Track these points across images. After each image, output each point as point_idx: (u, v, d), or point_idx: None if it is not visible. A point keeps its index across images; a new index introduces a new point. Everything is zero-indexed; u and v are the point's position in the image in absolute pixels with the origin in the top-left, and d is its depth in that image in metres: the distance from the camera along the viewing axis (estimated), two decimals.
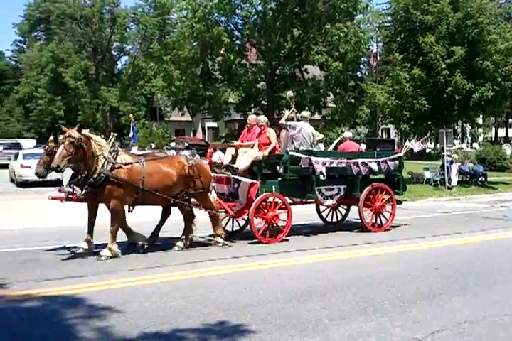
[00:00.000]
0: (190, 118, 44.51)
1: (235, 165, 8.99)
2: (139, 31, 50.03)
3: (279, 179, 8.91)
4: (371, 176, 10.36)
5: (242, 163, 8.95)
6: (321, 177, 9.02)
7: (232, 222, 9.44)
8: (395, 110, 25.65)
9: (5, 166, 23.33)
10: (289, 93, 10.73)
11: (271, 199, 8.68)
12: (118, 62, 55.69)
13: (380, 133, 43.08)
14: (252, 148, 9.12)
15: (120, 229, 7.41)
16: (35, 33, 54.20)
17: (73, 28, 50.16)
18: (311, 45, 26.44)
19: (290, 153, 8.88)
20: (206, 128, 44.89)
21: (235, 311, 4.85)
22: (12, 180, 20.90)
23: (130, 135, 17.66)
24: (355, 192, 9.68)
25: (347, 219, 11.06)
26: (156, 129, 43.91)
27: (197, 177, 7.91)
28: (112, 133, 7.77)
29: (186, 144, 21.70)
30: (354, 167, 9.51)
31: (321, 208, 10.59)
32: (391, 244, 8.61)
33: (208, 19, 24.05)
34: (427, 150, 34.21)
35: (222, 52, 25.49)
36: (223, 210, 8.51)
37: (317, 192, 9.17)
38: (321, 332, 4.32)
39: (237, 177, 8.71)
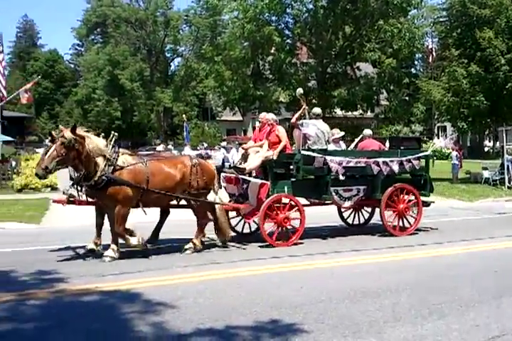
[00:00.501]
0: (241, 118, 44.86)
1: (242, 166, 8.76)
2: (191, 33, 50.95)
3: (292, 179, 8.55)
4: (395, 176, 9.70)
5: (252, 162, 8.67)
6: (341, 177, 8.72)
7: (244, 223, 9.10)
8: (452, 107, 24.76)
9: None
10: (299, 90, 10.14)
11: (284, 200, 8.32)
12: (171, 63, 56.93)
13: (436, 131, 41.87)
14: (261, 147, 8.86)
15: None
16: (93, 37, 56.27)
17: (128, 31, 51.69)
18: (363, 42, 26.02)
19: (302, 152, 8.49)
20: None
21: (287, 310, 4.84)
22: (71, 178, 21.71)
23: (184, 134, 18.03)
24: (376, 193, 9.13)
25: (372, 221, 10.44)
26: (207, 129, 44.58)
27: (200, 177, 7.72)
28: (112, 133, 7.38)
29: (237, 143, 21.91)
30: (374, 166, 8.98)
31: (343, 209, 10.09)
32: (447, 246, 8.35)
33: (258, 19, 24.13)
34: (486, 149, 32.83)
35: (272, 51, 25.52)
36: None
37: (333, 193, 8.72)
38: (376, 333, 4.25)
39: (245, 177, 8.47)
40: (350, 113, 28.07)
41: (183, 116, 21.49)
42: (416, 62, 33.23)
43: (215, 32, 44.06)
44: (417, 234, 9.51)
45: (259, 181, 8.25)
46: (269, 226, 8.20)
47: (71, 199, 7.59)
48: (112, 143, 7.21)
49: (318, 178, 8.75)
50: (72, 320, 4.58)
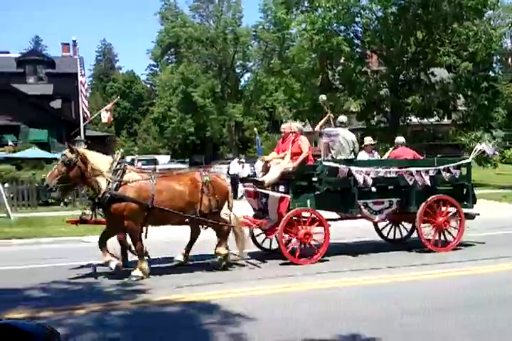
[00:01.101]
0: (311, 129, 44.71)
1: (261, 178, 8.33)
2: (259, 48, 51.73)
3: (316, 192, 7.90)
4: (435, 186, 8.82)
5: (271, 175, 8.16)
6: (373, 188, 8.19)
7: (271, 239, 8.56)
8: None
9: None
10: (321, 97, 9.55)
11: (305, 214, 7.84)
12: (241, 79, 57.92)
13: None
14: (283, 158, 8.34)
15: (120, 243, 7.32)
16: (167, 57, 58.52)
17: (200, 50, 53.33)
18: (436, 47, 25.17)
19: (324, 163, 7.96)
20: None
21: (367, 324, 4.71)
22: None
23: (255, 148, 18.21)
24: (410, 206, 8.38)
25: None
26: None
27: (212, 195, 7.31)
28: (118, 150, 7.40)
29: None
30: (407, 176, 8.24)
31: (380, 224, 9.32)
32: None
33: (326, 30, 24.09)
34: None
35: (342, 61, 25.33)
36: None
37: (362, 207, 8.09)
38: None
39: (264, 190, 8.00)
40: (426, 120, 27.15)
41: (255, 129, 21.81)
42: (494, 65, 31.61)
43: (283, 45, 44.47)
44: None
45: (278, 195, 7.83)
46: (292, 242, 7.88)
47: (83, 217, 7.58)
48: (118, 159, 7.13)
49: (344, 191, 8.08)
50: (156, 330, 4.72)
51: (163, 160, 34.30)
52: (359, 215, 8.33)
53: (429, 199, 8.36)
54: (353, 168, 7.92)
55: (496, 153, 11.65)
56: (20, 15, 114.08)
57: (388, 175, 8.22)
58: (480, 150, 9.72)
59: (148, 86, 74.28)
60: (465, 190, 8.89)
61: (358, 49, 26.04)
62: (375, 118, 26.84)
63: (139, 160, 32.62)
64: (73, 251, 9.16)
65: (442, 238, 8.57)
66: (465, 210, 8.79)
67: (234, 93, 54.48)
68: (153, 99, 67.75)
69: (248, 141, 52.69)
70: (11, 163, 22.09)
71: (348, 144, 8.38)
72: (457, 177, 8.72)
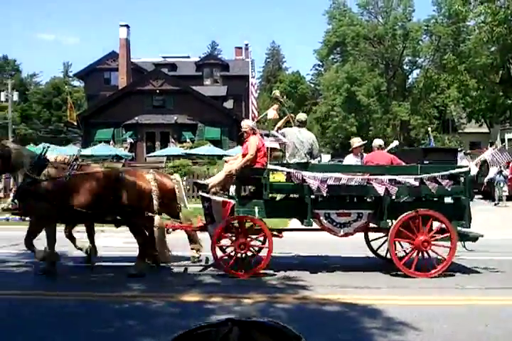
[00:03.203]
0: (487, 130, 41.07)
1: (203, 181, 7.72)
2: (431, 43, 49.05)
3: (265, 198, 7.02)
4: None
5: (215, 178, 7.63)
6: (324, 196, 6.98)
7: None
8: None
9: None
10: (275, 92, 8.40)
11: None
12: (409, 76, 55.56)
13: None
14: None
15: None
16: (332, 56, 58.74)
17: (366, 48, 52.48)
18: None
19: (269, 166, 6.96)
20: (506, 140, 40.62)
21: None
22: None
23: None
24: (382, 221, 7.06)
25: None
26: (448, 142, 42.09)
27: (122, 193, 6.82)
28: (45, 145, 7.16)
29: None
30: (377, 185, 6.83)
31: (371, 237, 8.15)
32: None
33: (510, 21, 21.92)
34: None
35: None
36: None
37: (323, 218, 7.00)
38: None
39: (206, 194, 7.39)
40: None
41: (429, 129, 20.80)
42: None
43: (458, 39, 41.56)
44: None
45: (220, 199, 7.22)
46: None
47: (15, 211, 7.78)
48: (40, 155, 7.02)
49: (299, 198, 7.22)
50: (315, 328, 4.81)
51: (325, 159, 34.56)
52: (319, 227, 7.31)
53: (405, 213, 6.95)
54: (306, 173, 6.84)
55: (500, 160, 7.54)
56: (199, 21, 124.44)
57: (352, 183, 6.90)
58: (483, 157, 7.65)
59: (313, 86, 75.40)
60: (460, 205, 7.24)
61: None
62: None
63: None
64: None
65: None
66: (464, 230, 7.29)
67: (401, 91, 52.53)
68: (316, 98, 68.65)
69: (414, 141, 50.36)
70: (188, 158, 24.31)
71: (304, 146, 7.44)
72: (448, 188, 7.03)
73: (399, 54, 51.17)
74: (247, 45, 42.71)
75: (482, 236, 7.41)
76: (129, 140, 31.50)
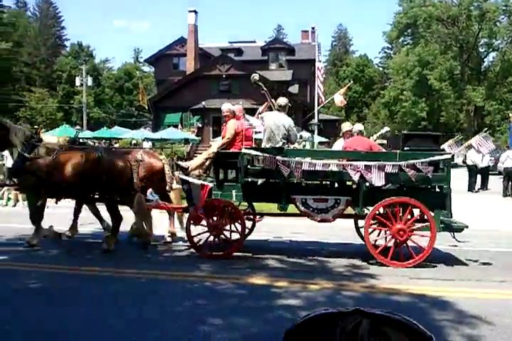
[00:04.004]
0: None
1: (183, 164, 7.77)
2: (510, 24, 46.20)
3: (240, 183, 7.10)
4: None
5: (195, 161, 7.79)
6: (298, 181, 7.04)
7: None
8: None
9: None
10: (254, 76, 8.09)
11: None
12: (485, 59, 52.71)
13: None
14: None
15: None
16: (402, 39, 56.72)
17: (439, 30, 50.24)
18: None
19: (244, 150, 7.00)
20: None
21: None
22: None
23: (506, 136, 16.55)
24: (358, 208, 7.00)
25: None
26: None
27: (100, 172, 7.18)
28: (36, 127, 8.10)
29: None
30: (352, 172, 6.68)
31: (361, 223, 7.72)
32: None
33: None
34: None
35: None
36: None
37: (299, 203, 6.91)
38: None
39: (185, 177, 7.52)
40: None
41: (511, 115, 19.75)
42: None
43: None
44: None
45: (199, 182, 7.40)
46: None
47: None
48: (32, 135, 7.65)
49: (276, 183, 7.14)
50: None
51: None
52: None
53: (381, 201, 6.78)
54: (279, 158, 6.79)
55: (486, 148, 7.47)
56: (265, 5, 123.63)
57: (328, 169, 6.81)
58: (470, 143, 7.46)
59: (381, 69, 73.25)
60: (441, 194, 6.94)
61: None
62: None
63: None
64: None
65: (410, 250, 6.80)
66: (447, 220, 6.98)
67: (475, 75, 50.05)
68: (384, 82, 66.68)
69: (489, 127, 47.97)
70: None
71: (280, 130, 7.24)
72: (430, 176, 6.75)
73: (474, 36, 48.61)
74: (313, 28, 41.89)
75: (467, 227, 7.03)
76: (197, 124, 32.13)
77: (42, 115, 49.62)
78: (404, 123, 55.53)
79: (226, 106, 8.05)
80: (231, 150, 7.50)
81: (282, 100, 7.70)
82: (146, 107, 29.77)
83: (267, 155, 6.88)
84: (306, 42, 42.76)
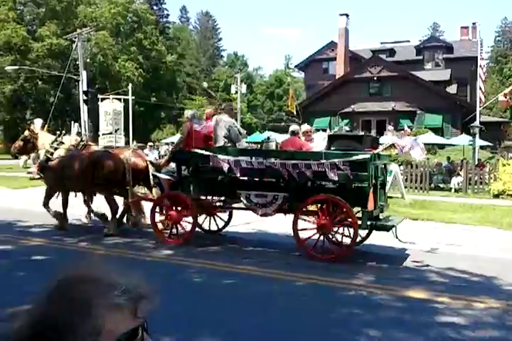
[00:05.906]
0: None
1: (156, 161, 9.11)
2: None
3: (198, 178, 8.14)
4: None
5: (165, 158, 9.01)
6: (238, 177, 7.68)
7: (210, 220, 9.13)
8: None
9: None
10: (203, 84, 6.72)
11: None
12: None
13: None
14: None
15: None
16: None
17: None
18: None
19: (193, 150, 7.97)
20: None
21: None
22: None
23: None
24: (296, 203, 7.45)
25: None
26: None
27: (96, 170, 8.55)
28: (59, 132, 10.05)
29: None
30: (283, 170, 7.28)
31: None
32: None
33: None
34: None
35: None
36: None
37: (243, 198, 7.62)
38: None
39: (155, 173, 8.75)
40: None
41: None
42: None
43: None
44: None
45: (166, 177, 8.51)
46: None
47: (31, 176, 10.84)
48: (55, 139, 9.54)
49: (222, 179, 7.92)
50: None
51: None
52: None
53: (317, 196, 7.33)
54: (220, 157, 7.61)
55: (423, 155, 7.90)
56: (418, 4, 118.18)
57: (261, 167, 7.46)
58: (398, 143, 8.14)
59: None
60: (363, 192, 7.10)
61: None
62: None
63: None
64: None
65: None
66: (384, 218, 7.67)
67: None
68: None
69: None
70: None
71: (222, 130, 8.08)
72: (350, 176, 7.05)
73: None
74: (474, 24, 39.02)
75: (394, 226, 7.30)
76: (345, 128, 31.91)
77: None
78: None
79: (187, 112, 9.16)
80: (184, 150, 8.37)
81: (226, 104, 9.22)
82: (295, 112, 30.37)
83: (210, 154, 7.74)
84: (465, 38, 39.95)
